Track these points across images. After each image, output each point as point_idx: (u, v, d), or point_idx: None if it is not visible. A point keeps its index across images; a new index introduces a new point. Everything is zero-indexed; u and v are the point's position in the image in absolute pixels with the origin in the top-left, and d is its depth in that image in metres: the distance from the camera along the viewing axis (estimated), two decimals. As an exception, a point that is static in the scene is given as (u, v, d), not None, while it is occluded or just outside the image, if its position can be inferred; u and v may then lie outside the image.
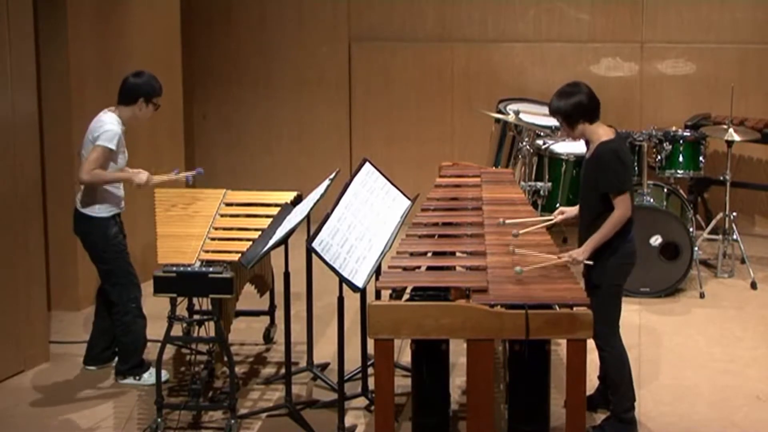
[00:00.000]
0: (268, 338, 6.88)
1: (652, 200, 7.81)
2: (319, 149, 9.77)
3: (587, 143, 5.59)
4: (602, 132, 5.48)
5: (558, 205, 7.92)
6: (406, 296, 5.09)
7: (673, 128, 8.28)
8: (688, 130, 8.39)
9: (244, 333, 6.94)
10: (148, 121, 6.32)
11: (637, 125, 8.94)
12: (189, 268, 5.57)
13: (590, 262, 5.36)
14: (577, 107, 5.43)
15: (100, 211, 6.09)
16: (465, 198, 6.45)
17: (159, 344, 5.70)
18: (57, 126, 7.29)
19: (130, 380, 6.21)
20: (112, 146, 5.98)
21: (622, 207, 5.38)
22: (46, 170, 7.22)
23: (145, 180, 6.14)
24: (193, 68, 9.59)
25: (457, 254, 5.55)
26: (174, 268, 5.57)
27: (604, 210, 5.40)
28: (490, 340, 4.75)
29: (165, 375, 6.01)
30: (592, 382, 5.62)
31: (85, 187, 6.08)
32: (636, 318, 7.31)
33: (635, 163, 7.97)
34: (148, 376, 6.16)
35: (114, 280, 6.14)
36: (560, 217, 5.78)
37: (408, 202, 6.20)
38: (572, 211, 5.77)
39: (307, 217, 5.87)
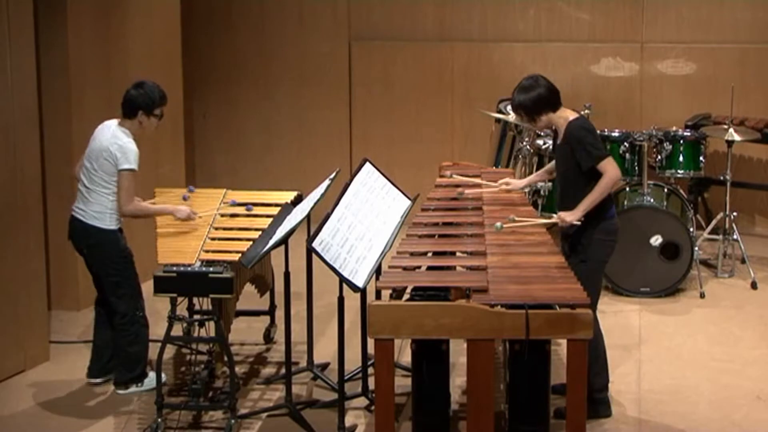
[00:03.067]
0: (268, 338, 6.88)
1: (652, 200, 7.81)
2: (319, 149, 9.78)
3: (555, 132, 5.77)
4: (567, 114, 5.69)
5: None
6: (406, 296, 5.09)
7: (674, 128, 8.28)
8: (688, 130, 8.38)
9: (245, 333, 6.94)
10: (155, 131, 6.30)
11: (637, 125, 8.93)
12: (189, 268, 5.57)
13: (578, 222, 5.54)
14: (537, 100, 5.61)
15: (110, 223, 6.03)
16: (465, 198, 6.44)
17: (159, 344, 5.70)
18: (57, 126, 7.29)
19: (132, 389, 6.14)
20: (136, 167, 5.95)
21: (609, 170, 5.55)
22: (46, 170, 7.21)
23: (186, 216, 6.09)
24: (193, 68, 9.59)
25: (457, 254, 5.55)
26: (174, 268, 5.57)
27: (587, 187, 5.56)
28: (490, 340, 4.75)
29: (164, 377, 5.99)
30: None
31: (93, 201, 6.01)
32: (636, 318, 7.31)
33: (635, 164, 7.97)
34: (149, 381, 6.13)
35: (121, 291, 6.08)
36: (504, 187, 6.08)
37: (408, 202, 6.20)
38: (517, 183, 6.13)
39: (308, 217, 5.88)
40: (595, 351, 5.57)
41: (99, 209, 6.01)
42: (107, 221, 6.03)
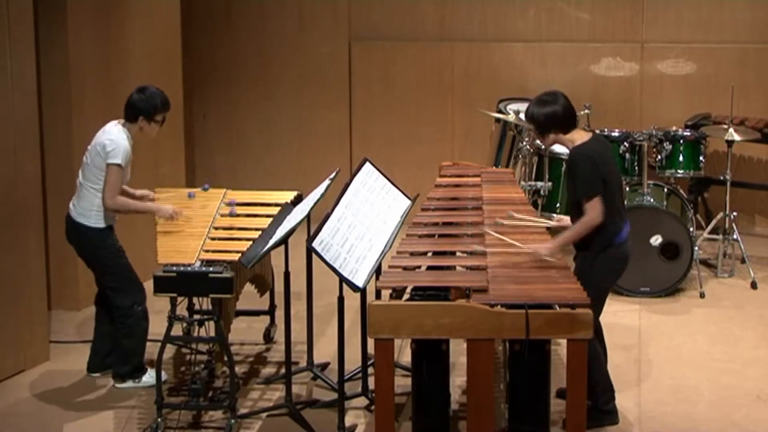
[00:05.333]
0: (268, 338, 6.88)
1: (652, 200, 7.81)
2: (319, 149, 9.77)
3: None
4: (577, 137, 5.51)
5: (558, 204, 7.94)
6: (406, 296, 5.09)
7: (674, 128, 8.28)
8: (688, 129, 8.38)
9: (244, 333, 6.94)
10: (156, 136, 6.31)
11: (637, 125, 8.93)
12: (189, 268, 5.57)
13: (551, 259, 5.34)
14: (549, 117, 5.45)
15: (96, 221, 6.05)
16: (465, 198, 6.45)
17: (159, 344, 5.71)
18: (57, 126, 7.29)
19: (129, 383, 6.19)
20: (122, 162, 5.96)
21: (591, 212, 5.39)
22: (46, 170, 7.22)
23: (170, 214, 6.07)
24: (193, 68, 9.59)
25: (457, 254, 5.55)
26: (174, 268, 5.57)
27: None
28: (490, 340, 4.75)
29: (164, 376, 6.00)
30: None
31: (83, 197, 6.04)
32: (636, 318, 7.31)
33: (635, 164, 7.96)
34: (148, 378, 6.15)
35: (115, 284, 6.11)
36: (556, 224, 5.84)
37: (408, 202, 6.20)
38: (568, 221, 5.77)
39: (308, 216, 5.88)
40: (599, 369, 5.54)
41: (86, 206, 6.04)
42: (93, 219, 6.04)
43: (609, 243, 5.49)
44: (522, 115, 8.10)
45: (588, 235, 5.46)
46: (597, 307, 5.51)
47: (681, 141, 8.09)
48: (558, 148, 8.11)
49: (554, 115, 5.44)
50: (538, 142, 8.20)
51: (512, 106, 8.53)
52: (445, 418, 5.03)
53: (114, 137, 5.99)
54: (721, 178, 8.17)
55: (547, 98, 5.50)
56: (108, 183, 5.97)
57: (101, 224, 6.06)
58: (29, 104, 6.49)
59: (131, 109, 6.04)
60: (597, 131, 8.01)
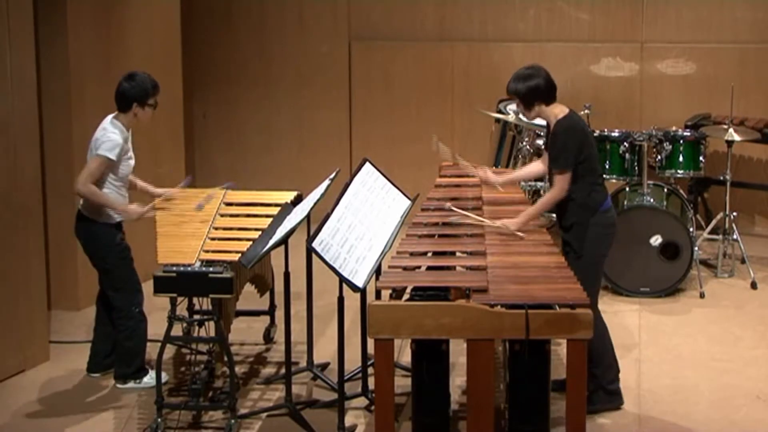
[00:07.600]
0: (268, 338, 6.88)
1: (652, 200, 7.81)
2: (319, 149, 9.78)
3: (548, 126, 5.76)
4: (558, 111, 5.66)
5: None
6: (406, 296, 5.09)
7: (673, 128, 8.27)
8: (688, 129, 8.38)
9: (244, 333, 6.94)
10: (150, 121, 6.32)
11: (637, 125, 8.94)
12: (189, 268, 5.57)
13: (521, 234, 5.53)
14: (533, 90, 5.59)
15: (106, 217, 6.06)
16: (465, 198, 6.45)
17: (159, 344, 5.71)
18: (57, 126, 7.29)
19: (131, 384, 6.19)
20: (113, 156, 5.96)
21: (558, 185, 5.56)
22: (46, 170, 7.22)
23: (137, 217, 6.08)
24: (193, 68, 9.59)
25: (457, 254, 5.55)
26: (174, 268, 5.57)
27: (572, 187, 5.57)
28: (490, 340, 4.75)
29: (164, 377, 6.00)
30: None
31: None
32: (636, 318, 7.32)
33: (635, 164, 7.96)
34: (149, 379, 6.15)
35: (118, 285, 6.12)
36: (482, 174, 6.14)
37: (408, 202, 6.20)
38: (493, 177, 6.13)
39: (307, 217, 5.88)
40: (602, 344, 5.60)
41: (95, 203, 6.03)
42: (102, 215, 6.05)
43: (595, 211, 5.61)
44: (522, 115, 8.12)
45: (573, 209, 5.59)
46: (597, 279, 5.69)
47: (681, 141, 8.09)
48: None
49: (537, 87, 5.59)
50: (538, 141, 8.24)
51: (512, 106, 8.51)
52: (445, 418, 5.03)
53: (105, 131, 6.00)
54: (721, 178, 8.17)
55: (527, 72, 5.63)
56: (88, 168, 5.97)
57: (110, 220, 6.08)
58: (29, 103, 6.49)
59: (123, 97, 6.04)
60: (597, 132, 8.03)
